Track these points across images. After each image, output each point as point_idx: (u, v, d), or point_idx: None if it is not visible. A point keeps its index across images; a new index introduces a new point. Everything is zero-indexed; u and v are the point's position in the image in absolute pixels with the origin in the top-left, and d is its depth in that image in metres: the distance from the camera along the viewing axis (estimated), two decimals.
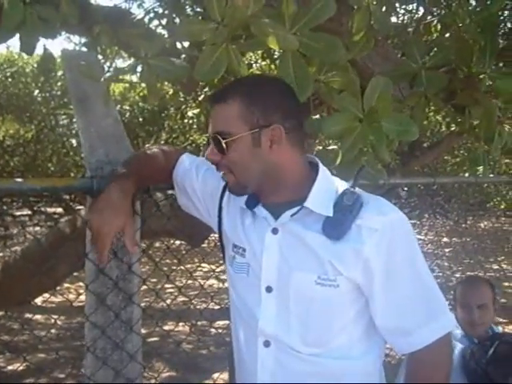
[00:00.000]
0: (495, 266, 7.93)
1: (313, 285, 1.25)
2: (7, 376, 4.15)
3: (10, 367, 4.24)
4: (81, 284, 7.11)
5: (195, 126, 8.46)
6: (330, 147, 1.73)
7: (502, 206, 8.93)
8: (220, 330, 5.39)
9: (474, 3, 2.34)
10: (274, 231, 1.31)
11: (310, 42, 1.60)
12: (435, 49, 2.36)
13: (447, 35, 2.63)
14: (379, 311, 1.27)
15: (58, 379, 4.15)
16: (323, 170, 1.33)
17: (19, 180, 1.39)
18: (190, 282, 7.65)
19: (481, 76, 2.23)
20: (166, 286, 7.26)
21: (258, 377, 1.31)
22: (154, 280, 6.75)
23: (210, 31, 1.47)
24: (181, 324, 5.57)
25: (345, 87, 1.79)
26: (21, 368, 4.24)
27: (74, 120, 8.69)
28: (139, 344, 1.64)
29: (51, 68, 2.32)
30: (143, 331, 5.21)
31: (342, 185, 1.32)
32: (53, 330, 5.38)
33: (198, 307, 6.20)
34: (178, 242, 9.73)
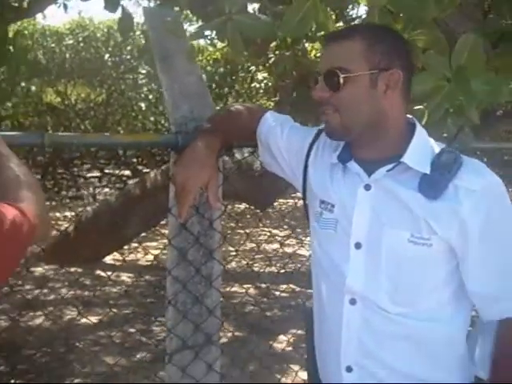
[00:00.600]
0: None
1: (405, 243, 1.22)
2: (81, 328, 4.34)
3: (83, 320, 4.42)
4: (148, 244, 7.34)
5: (262, 91, 8.46)
6: (416, 107, 1.68)
7: None
8: (284, 294, 5.44)
9: None
10: (367, 187, 1.28)
11: None
12: None
13: None
14: (472, 275, 1.24)
15: (128, 333, 4.31)
16: (420, 128, 1.30)
17: (107, 134, 1.42)
18: (253, 245, 7.76)
19: None
20: (230, 248, 7.41)
21: (343, 336, 1.30)
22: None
23: None
24: (245, 286, 5.66)
25: (431, 45, 1.73)
26: (94, 321, 4.43)
27: (141, 82, 8.85)
28: (218, 299, 1.67)
29: (130, 28, 2.34)
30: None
31: (438, 144, 1.29)
32: (122, 287, 5.57)
33: (261, 270, 6.27)
34: (242, 206, 9.87)
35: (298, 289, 5.57)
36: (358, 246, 1.29)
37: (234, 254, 7.14)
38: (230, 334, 4.40)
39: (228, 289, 5.43)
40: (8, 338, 4.03)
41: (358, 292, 1.29)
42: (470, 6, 2.44)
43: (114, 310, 4.88)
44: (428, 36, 1.71)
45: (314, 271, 1.44)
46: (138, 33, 8.16)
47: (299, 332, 4.40)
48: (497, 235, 1.22)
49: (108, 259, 6.41)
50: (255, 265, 6.57)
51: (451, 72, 1.60)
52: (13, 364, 3.62)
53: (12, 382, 3.37)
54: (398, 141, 1.29)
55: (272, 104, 6.88)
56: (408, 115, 1.34)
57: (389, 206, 1.26)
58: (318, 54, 4.70)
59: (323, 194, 1.37)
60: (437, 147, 1.28)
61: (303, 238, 7.48)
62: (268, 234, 8.39)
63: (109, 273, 5.80)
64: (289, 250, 7.10)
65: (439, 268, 1.26)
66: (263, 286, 5.65)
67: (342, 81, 1.21)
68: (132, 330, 4.41)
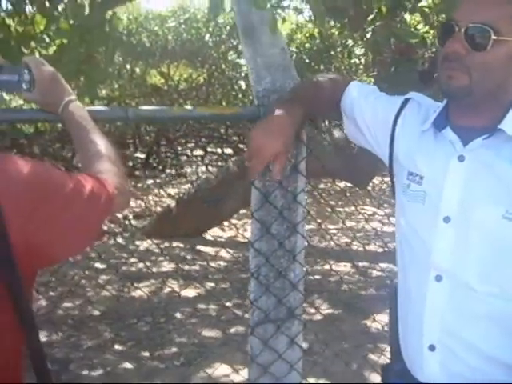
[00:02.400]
0: None
1: (499, 219, 1.14)
2: (181, 301, 4.50)
3: (183, 293, 4.58)
4: (247, 220, 7.45)
5: (362, 67, 8.25)
6: None
7: None
8: (381, 273, 5.33)
9: None
10: (461, 158, 1.20)
11: None
12: None
13: None
14: None
15: (226, 307, 4.41)
16: None
17: (189, 107, 1.43)
18: (353, 223, 7.66)
19: None
20: (330, 226, 7.34)
21: (426, 313, 1.25)
22: (319, 220, 6.85)
23: None
24: (342, 264, 5.61)
25: None
26: (193, 294, 4.58)
27: (241, 61, 8.93)
28: (302, 274, 1.65)
29: (219, 7, 2.34)
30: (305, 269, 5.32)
31: None
32: (221, 262, 5.70)
33: (359, 249, 6.18)
34: (342, 184, 9.76)
35: (396, 268, 5.44)
36: (446, 220, 1.21)
37: (333, 232, 7.10)
38: (324, 312, 4.39)
39: (326, 266, 5.40)
40: (113, 307, 4.26)
41: (444, 269, 1.22)
42: None
43: (212, 284, 5.02)
44: None
45: (399, 246, 1.38)
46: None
47: None
48: None
49: (208, 235, 6.59)
50: (354, 243, 6.48)
51: None
52: (116, 331, 3.83)
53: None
54: (504, 110, 1.19)
55: (372, 80, 6.70)
56: None
57: (483, 179, 1.18)
58: (419, 26, 4.49)
59: (411, 165, 1.30)
60: None
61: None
62: (368, 212, 8.26)
63: (208, 248, 5.96)
64: (389, 229, 6.94)
65: None
66: (361, 264, 5.58)
67: (491, 42, 1.12)
68: (228, 304, 4.51)
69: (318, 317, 4.22)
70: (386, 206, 8.43)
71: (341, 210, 8.61)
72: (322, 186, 9.87)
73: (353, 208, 8.43)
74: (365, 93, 1.48)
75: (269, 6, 1.55)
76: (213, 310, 4.35)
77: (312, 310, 4.25)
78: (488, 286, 1.18)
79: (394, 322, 1.43)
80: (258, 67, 1.62)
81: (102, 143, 1.19)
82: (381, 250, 6.13)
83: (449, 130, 1.24)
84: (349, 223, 7.64)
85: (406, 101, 1.40)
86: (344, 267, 5.57)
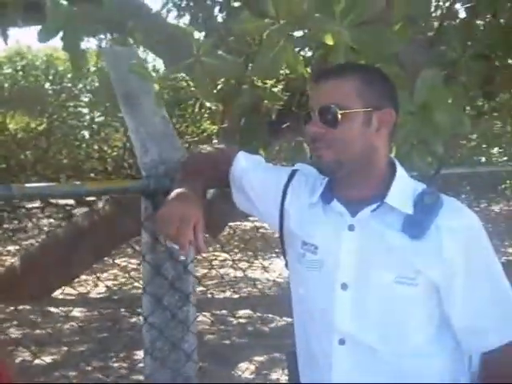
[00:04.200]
0: (511, 250, 7.94)
1: (392, 283, 1.24)
2: (34, 371, 4.17)
3: (36, 361, 4.25)
4: (98, 275, 7.14)
5: (206, 115, 8.43)
6: None
7: None
8: (242, 320, 5.40)
9: None
10: (351, 228, 1.29)
11: (362, 35, 1.58)
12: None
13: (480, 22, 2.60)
14: (456, 310, 1.26)
15: (85, 372, 4.17)
16: (400, 168, 1.33)
17: (78, 183, 1.38)
18: (205, 271, 7.68)
19: None
20: None
21: (333, 375, 1.30)
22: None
23: (266, 28, 1.46)
24: (200, 314, 5.58)
25: (393, 81, 1.77)
26: (48, 360, 4.26)
27: (84, 110, 8.70)
28: (195, 343, 1.64)
29: (83, 65, 2.29)
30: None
31: (417, 184, 1.32)
32: (74, 323, 5.39)
33: (216, 296, 6.21)
34: None
35: (256, 314, 5.54)
36: (344, 286, 1.29)
37: None
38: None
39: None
40: None
41: (346, 332, 1.29)
42: (418, 38, 2.52)
43: (66, 348, 4.72)
44: (389, 72, 1.75)
45: (297, 312, 1.43)
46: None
47: (261, 359, 4.39)
48: (478, 271, 1.25)
49: (57, 293, 6.21)
50: (209, 291, 6.50)
51: (414, 106, 1.64)
52: None
53: None
54: (381, 180, 1.31)
55: (216, 128, 6.87)
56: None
57: (374, 246, 1.27)
58: (271, 82, 4.73)
59: (304, 235, 1.37)
60: (418, 186, 1.31)
61: (254, 261, 7.49)
62: (221, 257, 8.35)
63: (59, 309, 5.61)
64: (241, 274, 7.07)
65: (424, 305, 1.28)
66: (219, 312, 5.61)
67: (339, 117, 1.23)
68: (88, 368, 4.27)
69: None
70: (236, 250, 8.60)
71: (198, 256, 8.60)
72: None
73: (204, 254, 8.49)
74: (253, 163, 1.53)
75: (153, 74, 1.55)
76: (73, 377, 4.08)
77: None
78: (388, 346, 1.27)
79: (296, 380, 1.47)
80: (142, 137, 1.61)
81: None
82: (236, 296, 6.22)
83: (336, 203, 1.32)
84: (201, 270, 7.66)
85: (294, 172, 1.47)
86: (203, 317, 5.56)
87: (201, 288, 6.65)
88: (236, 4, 3.57)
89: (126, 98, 1.70)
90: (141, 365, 4.28)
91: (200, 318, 5.24)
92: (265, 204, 1.50)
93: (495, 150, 6.80)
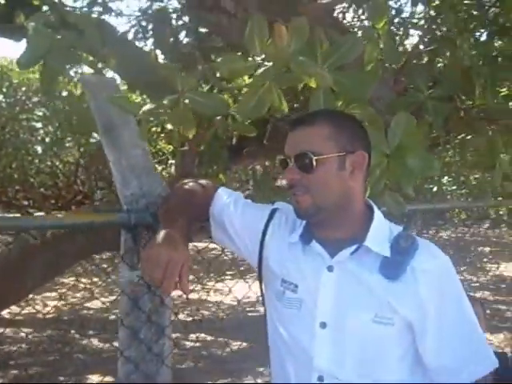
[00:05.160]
0: (460, 277, 8.17)
1: (370, 323, 1.28)
2: None
3: None
4: (47, 294, 6.97)
5: (163, 134, 8.39)
6: None
7: (463, 217, 9.25)
8: (196, 343, 5.37)
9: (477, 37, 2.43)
10: (330, 268, 1.33)
11: (342, 78, 1.64)
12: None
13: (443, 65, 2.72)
14: (430, 349, 1.31)
15: None
16: (377, 210, 1.38)
17: (60, 215, 1.38)
18: None
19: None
20: None
21: None
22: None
23: (251, 69, 1.50)
24: None
25: (368, 123, 1.83)
26: None
27: (38, 125, 8.52)
28: (169, 377, 1.64)
29: (54, 89, 2.28)
30: (117, 344, 5.11)
31: (393, 225, 1.37)
32: (23, 345, 5.24)
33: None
34: None
35: (208, 337, 5.52)
36: (322, 325, 1.33)
37: None
38: None
39: None
40: None
41: (324, 369, 1.32)
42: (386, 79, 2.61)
43: (14, 372, 4.58)
44: (364, 114, 1.82)
45: (274, 348, 1.45)
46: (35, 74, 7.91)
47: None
48: (450, 311, 1.32)
49: (4, 313, 6.01)
50: None
51: (388, 148, 1.71)
52: None
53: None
54: (359, 222, 1.36)
55: (171, 148, 6.84)
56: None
57: (352, 287, 1.32)
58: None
59: (284, 274, 1.40)
60: (392, 228, 1.37)
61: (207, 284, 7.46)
62: None
63: (6, 330, 5.44)
64: (195, 296, 7.03)
65: (399, 344, 1.33)
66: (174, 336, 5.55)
67: (314, 163, 1.28)
68: None
69: None
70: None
71: None
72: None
73: None
74: (233, 199, 1.55)
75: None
76: None
77: None
78: (365, 382, 1.31)
79: None
80: (123, 170, 1.62)
81: None
82: (190, 318, 6.18)
83: (315, 243, 1.37)
84: None
85: (274, 211, 1.51)
86: None
87: None
88: (203, 30, 3.62)
89: (106, 128, 1.69)
90: None
91: None
92: (244, 240, 1.52)
93: (445, 178, 7.03)
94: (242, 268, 7.64)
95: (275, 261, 1.44)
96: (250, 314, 6.59)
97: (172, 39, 3.68)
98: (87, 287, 7.74)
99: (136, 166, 1.64)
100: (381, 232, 1.35)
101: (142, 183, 1.61)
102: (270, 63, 1.47)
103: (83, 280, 8.05)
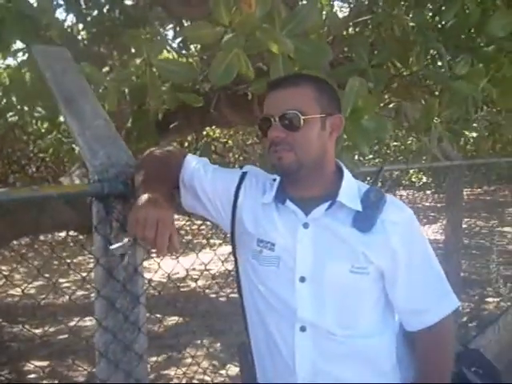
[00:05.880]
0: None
1: (347, 273, 1.37)
2: None
3: None
4: None
5: None
6: None
7: None
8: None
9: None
10: (305, 225, 1.41)
11: (302, 45, 1.70)
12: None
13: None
14: (400, 294, 1.43)
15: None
16: (346, 170, 1.45)
17: (35, 187, 1.35)
18: (84, 274, 7.42)
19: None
20: (61, 280, 7.00)
21: (297, 359, 1.41)
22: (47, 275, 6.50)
23: (218, 35, 1.52)
24: (88, 319, 5.42)
25: None
26: None
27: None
28: (145, 344, 1.65)
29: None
30: (52, 329, 5.02)
31: (360, 183, 1.46)
32: None
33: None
34: (62, 234, 9.35)
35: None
36: (302, 279, 1.40)
37: (67, 285, 6.80)
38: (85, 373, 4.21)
39: (73, 324, 5.17)
40: None
41: (307, 320, 1.40)
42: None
43: None
44: None
45: (252, 306, 1.51)
46: None
47: (157, 359, 4.38)
48: (418, 259, 1.43)
49: None
50: (92, 294, 6.31)
51: (346, 112, 1.78)
52: None
53: None
54: (331, 180, 1.44)
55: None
56: None
57: (328, 241, 1.40)
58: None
59: (260, 233, 1.46)
60: (360, 185, 1.46)
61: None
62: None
63: None
64: None
65: (373, 291, 1.43)
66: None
67: (301, 122, 1.34)
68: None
69: (82, 379, 4.05)
70: None
71: (68, 261, 8.26)
72: (41, 237, 9.33)
73: (80, 258, 8.21)
74: (202, 164, 1.58)
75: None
76: None
77: (75, 373, 4.06)
78: (345, 330, 1.41)
79: (250, 376, 1.55)
80: (88, 141, 1.59)
81: None
82: None
83: (289, 203, 1.44)
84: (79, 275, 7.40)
85: (244, 174, 1.56)
86: (90, 322, 5.40)
87: (82, 292, 6.45)
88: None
89: (66, 99, 1.66)
90: (31, 376, 4.10)
91: (87, 323, 5.10)
92: (216, 204, 1.56)
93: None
94: None
95: (250, 221, 1.49)
96: (182, 290, 6.60)
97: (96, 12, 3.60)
98: (9, 275, 7.44)
99: (101, 136, 1.62)
100: (351, 189, 1.43)
101: (109, 153, 1.59)
102: (236, 30, 1.50)
103: (3, 267, 7.74)
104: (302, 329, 1.41)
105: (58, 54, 1.80)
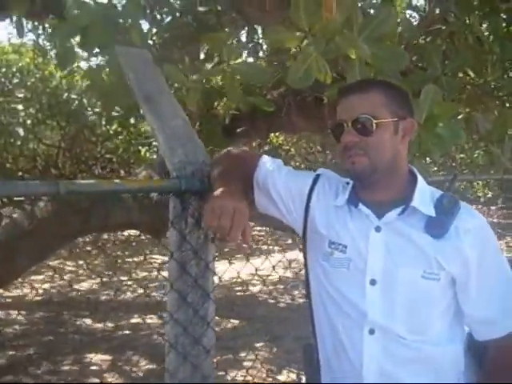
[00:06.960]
0: None
1: (419, 278, 1.36)
2: None
3: None
4: (33, 278, 6.93)
5: None
6: None
7: None
8: None
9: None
10: (377, 229, 1.41)
11: (378, 51, 1.70)
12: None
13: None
14: (471, 302, 1.40)
15: (36, 375, 4.07)
16: (419, 175, 1.45)
17: (118, 181, 1.41)
18: (145, 273, 7.61)
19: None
20: (122, 278, 7.20)
21: (364, 362, 1.41)
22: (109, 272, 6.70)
23: (298, 40, 1.55)
24: (147, 317, 5.56)
25: None
26: None
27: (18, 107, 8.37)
28: (213, 339, 1.69)
29: (71, 61, 2.29)
30: (110, 324, 5.14)
31: (433, 189, 1.46)
32: (16, 326, 5.22)
33: (158, 299, 6.19)
34: (126, 233, 9.63)
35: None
36: (372, 282, 1.40)
37: (128, 283, 6.98)
38: (144, 368, 4.31)
39: (133, 320, 5.31)
40: None
41: (376, 323, 1.40)
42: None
43: (12, 353, 4.57)
44: None
45: (320, 307, 1.52)
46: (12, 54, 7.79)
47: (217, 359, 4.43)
48: (490, 267, 1.41)
49: None
50: (153, 294, 6.46)
51: (420, 118, 1.78)
52: None
53: None
54: (404, 185, 1.44)
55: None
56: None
57: (401, 246, 1.39)
58: None
59: (332, 235, 1.47)
60: (433, 191, 1.46)
61: None
62: (158, 261, 8.29)
63: None
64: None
65: (444, 298, 1.42)
66: (165, 315, 5.59)
67: (374, 126, 1.35)
68: (38, 372, 4.16)
69: (140, 374, 4.14)
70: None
71: (129, 260, 8.51)
72: (105, 236, 9.64)
73: (141, 257, 8.42)
74: (277, 165, 1.61)
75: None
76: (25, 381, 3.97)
77: (134, 368, 4.16)
78: (414, 335, 1.40)
79: (315, 376, 1.56)
80: (168, 138, 1.65)
81: None
82: None
83: (362, 206, 1.44)
84: (140, 273, 7.60)
85: (317, 177, 1.57)
86: (150, 319, 5.53)
87: (142, 290, 6.61)
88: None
89: (146, 98, 1.73)
90: (92, 368, 4.21)
91: (148, 320, 5.21)
92: (288, 205, 1.58)
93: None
94: (227, 249, 7.73)
95: (322, 223, 1.50)
96: (238, 294, 6.68)
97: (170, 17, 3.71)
98: (73, 270, 7.72)
99: (179, 135, 1.68)
100: (424, 194, 1.43)
101: (187, 151, 1.64)
102: (316, 35, 1.52)
103: (68, 263, 8.03)
104: (371, 331, 1.41)
105: (139, 55, 1.87)
